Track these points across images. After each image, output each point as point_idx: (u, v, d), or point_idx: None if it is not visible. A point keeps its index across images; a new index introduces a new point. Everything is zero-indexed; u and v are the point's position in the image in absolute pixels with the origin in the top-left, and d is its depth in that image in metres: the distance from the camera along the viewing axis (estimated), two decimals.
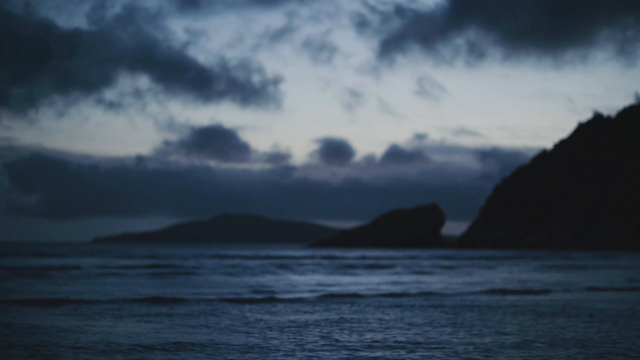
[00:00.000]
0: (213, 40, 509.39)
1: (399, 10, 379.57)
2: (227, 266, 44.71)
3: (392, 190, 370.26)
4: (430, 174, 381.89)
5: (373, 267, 45.97)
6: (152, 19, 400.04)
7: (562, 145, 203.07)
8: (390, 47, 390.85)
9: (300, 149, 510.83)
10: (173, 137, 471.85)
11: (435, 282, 29.68)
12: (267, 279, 30.58)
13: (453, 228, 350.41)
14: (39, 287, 23.60)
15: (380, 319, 14.52)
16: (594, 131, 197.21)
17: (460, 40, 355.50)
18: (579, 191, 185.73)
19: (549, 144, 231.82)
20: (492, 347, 10.80)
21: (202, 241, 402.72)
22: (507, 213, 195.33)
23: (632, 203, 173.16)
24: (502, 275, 36.88)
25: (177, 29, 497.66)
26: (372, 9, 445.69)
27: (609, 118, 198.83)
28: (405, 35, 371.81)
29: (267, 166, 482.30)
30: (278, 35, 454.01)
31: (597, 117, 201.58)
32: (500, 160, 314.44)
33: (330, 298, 20.22)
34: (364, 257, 72.67)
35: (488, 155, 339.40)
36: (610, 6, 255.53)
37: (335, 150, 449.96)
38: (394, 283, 28.43)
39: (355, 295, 21.09)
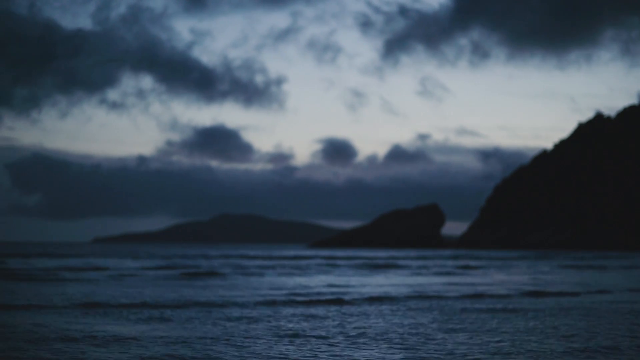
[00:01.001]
0: (218, 40, 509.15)
1: (403, 11, 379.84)
2: (253, 267, 44.16)
3: (394, 191, 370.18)
4: (432, 175, 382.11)
5: (393, 268, 45.51)
6: (157, 19, 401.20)
7: (562, 145, 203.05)
8: (395, 47, 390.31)
9: (303, 149, 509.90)
10: (176, 137, 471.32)
11: (469, 283, 29.17)
12: (307, 280, 30.05)
13: (455, 228, 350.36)
14: (86, 290, 23.07)
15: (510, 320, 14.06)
16: (594, 131, 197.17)
17: (464, 41, 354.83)
18: (579, 191, 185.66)
19: (552, 145, 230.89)
20: None
21: (202, 241, 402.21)
22: (507, 213, 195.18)
23: (632, 203, 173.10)
24: (527, 275, 36.41)
25: (183, 29, 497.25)
26: (376, 10, 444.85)
27: (609, 118, 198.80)
28: (410, 36, 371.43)
29: (269, 166, 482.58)
30: (283, 36, 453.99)
31: (598, 117, 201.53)
32: (502, 160, 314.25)
33: (425, 299, 19.69)
34: (375, 258, 72.21)
35: (490, 155, 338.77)
36: (615, 7, 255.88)
37: (337, 151, 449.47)
38: (432, 284, 27.91)
39: (437, 297, 20.55)
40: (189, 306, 17.15)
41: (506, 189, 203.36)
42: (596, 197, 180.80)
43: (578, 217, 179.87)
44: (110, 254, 74.80)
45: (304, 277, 32.79)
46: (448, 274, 38.09)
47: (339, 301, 18.90)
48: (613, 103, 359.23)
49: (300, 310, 16.41)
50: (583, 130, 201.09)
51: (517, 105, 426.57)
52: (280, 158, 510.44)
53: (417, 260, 67.05)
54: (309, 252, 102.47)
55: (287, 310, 16.23)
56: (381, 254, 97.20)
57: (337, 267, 46.60)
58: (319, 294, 21.90)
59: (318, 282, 28.92)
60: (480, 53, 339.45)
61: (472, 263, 58.03)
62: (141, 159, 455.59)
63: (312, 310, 16.29)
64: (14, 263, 45.40)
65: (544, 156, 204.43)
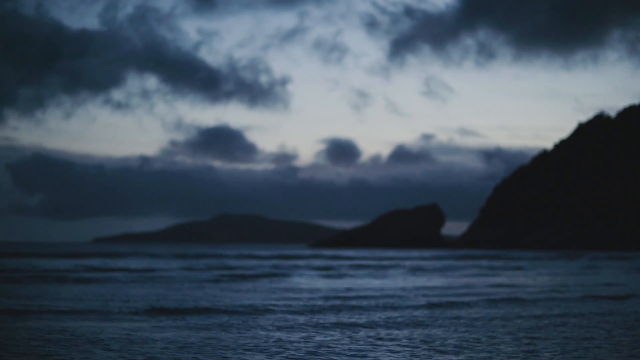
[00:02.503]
0: (225, 40, 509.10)
1: (409, 11, 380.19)
2: (285, 267, 43.93)
3: (397, 191, 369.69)
4: (435, 175, 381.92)
5: (422, 270, 45.37)
6: (164, 19, 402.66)
7: (562, 145, 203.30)
8: (401, 47, 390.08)
9: (307, 149, 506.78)
10: (180, 137, 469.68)
11: (522, 284, 28.98)
12: (360, 282, 29.79)
13: (456, 228, 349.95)
14: (137, 292, 22.81)
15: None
16: (595, 131, 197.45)
17: (470, 41, 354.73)
18: (579, 191, 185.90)
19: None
20: None
21: (202, 241, 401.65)
22: (507, 213, 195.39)
23: (632, 203, 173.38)
24: (560, 277, 36.28)
25: (190, 29, 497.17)
26: (382, 10, 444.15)
27: (609, 118, 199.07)
28: (416, 36, 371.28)
29: (273, 166, 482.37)
30: (289, 36, 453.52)
31: (598, 117, 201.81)
32: (505, 160, 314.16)
33: (506, 302, 19.45)
34: (391, 258, 72.09)
35: (494, 156, 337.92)
36: (622, 7, 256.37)
37: (341, 151, 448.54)
38: (483, 285, 27.76)
39: (515, 300, 20.39)
40: (259, 312, 16.62)
41: (506, 189, 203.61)
42: (596, 197, 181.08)
43: (578, 217, 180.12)
44: (126, 254, 74.22)
45: (350, 279, 32.59)
46: (484, 275, 37.91)
47: (431, 306, 18.70)
48: (618, 103, 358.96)
49: (414, 312, 16.24)
50: (583, 130, 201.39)
51: (522, 106, 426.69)
52: (284, 158, 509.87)
53: (434, 260, 66.90)
54: (321, 252, 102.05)
55: (377, 315, 16.06)
56: (390, 254, 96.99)
57: (365, 268, 46.34)
58: (395, 296, 21.76)
59: (377, 284, 28.75)
60: (486, 53, 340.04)
61: (492, 263, 57.92)
62: (144, 159, 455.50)
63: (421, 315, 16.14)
64: (31, 264, 44.51)
65: (544, 156, 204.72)
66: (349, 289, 24.75)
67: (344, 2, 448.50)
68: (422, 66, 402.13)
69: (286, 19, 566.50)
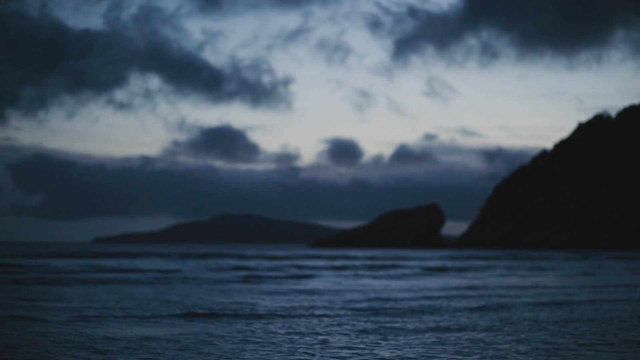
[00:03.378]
0: (229, 40, 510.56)
1: (412, 12, 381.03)
2: (303, 268, 43.30)
3: (398, 191, 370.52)
4: (437, 175, 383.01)
5: (443, 271, 44.78)
6: (169, 19, 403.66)
7: (562, 145, 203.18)
8: (404, 47, 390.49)
9: (309, 149, 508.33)
10: (182, 137, 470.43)
11: (555, 285, 28.39)
12: (408, 284, 29.21)
13: (456, 228, 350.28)
14: (162, 294, 22.08)
15: None
16: (594, 131, 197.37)
17: (473, 41, 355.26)
18: (579, 191, 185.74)
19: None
20: None
21: (202, 241, 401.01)
22: (507, 213, 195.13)
23: (632, 203, 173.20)
24: (587, 277, 35.74)
25: (195, 29, 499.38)
26: (386, 10, 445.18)
27: (609, 118, 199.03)
28: (419, 36, 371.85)
29: (275, 167, 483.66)
30: (293, 36, 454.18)
31: (598, 117, 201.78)
32: (507, 160, 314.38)
33: (556, 305, 18.70)
34: (400, 258, 71.53)
35: (496, 156, 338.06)
36: (626, 7, 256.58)
37: (343, 151, 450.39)
38: (523, 287, 27.11)
39: (567, 303, 19.67)
40: (300, 315, 15.65)
41: (506, 189, 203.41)
42: (596, 196, 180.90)
43: (578, 217, 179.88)
44: (136, 254, 73.21)
45: (372, 280, 31.95)
46: (507, 275, 37.27)
47: (505, 307, 18.03)
48: (621, 103, 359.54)
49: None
50: (583, 130, 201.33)
51: (525, 106, 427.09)
52: (286, 158, 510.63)
53: (444, 260, 66.30)
54: (326, 252, 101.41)
55: (429, 319, 15.36)
56: (395, 253, 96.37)
57: (380, 268, 45.70)
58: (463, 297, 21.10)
59: (407, 285, 28.10)
60: (489, 53, 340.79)
61: (505, 264, 57.36)
62: (145, 160, 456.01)
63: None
64: (46, 264, 43.72)
65: (543, 156, 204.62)
66: (379, 291, 24.05)
67: (349, 3, 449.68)
68: (425, 66, 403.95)
69: (290, 19, 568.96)
